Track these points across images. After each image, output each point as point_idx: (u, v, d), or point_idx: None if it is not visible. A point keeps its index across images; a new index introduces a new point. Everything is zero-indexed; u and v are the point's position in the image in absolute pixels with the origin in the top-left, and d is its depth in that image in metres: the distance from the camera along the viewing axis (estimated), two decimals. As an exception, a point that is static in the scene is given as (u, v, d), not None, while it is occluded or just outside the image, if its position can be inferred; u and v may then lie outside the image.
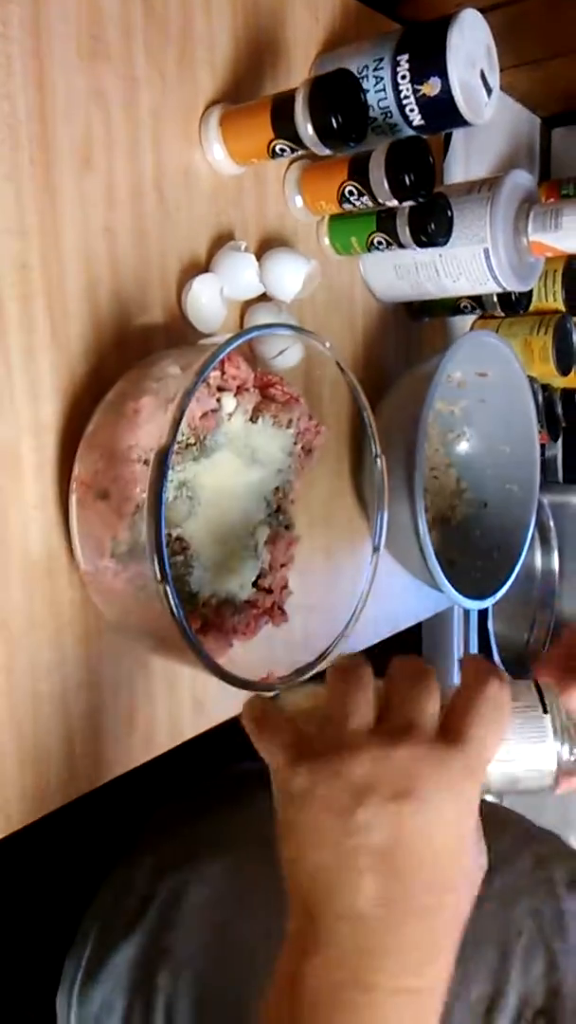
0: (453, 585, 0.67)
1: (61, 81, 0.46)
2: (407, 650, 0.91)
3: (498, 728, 0.33)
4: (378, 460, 0.54)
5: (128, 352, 0.50)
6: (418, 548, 0.62)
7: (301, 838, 0.32)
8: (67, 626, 0.47)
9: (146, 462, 0.44)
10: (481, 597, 0.72)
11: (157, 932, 0.55)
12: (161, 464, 0.41)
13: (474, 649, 0.88)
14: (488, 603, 0.71)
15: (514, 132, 0.96)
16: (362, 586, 0.55)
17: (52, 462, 0.46)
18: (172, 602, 0.41)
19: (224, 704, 0.57)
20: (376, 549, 0.54)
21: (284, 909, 0.33)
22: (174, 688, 0.54)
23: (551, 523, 1.05)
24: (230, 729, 0.45)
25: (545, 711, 0.36)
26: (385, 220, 0.63)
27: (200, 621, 0.48)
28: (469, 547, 0.77)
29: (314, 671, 0.52)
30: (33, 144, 0.45)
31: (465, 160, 0.86)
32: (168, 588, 0.41)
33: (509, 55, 0.82)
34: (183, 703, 0.54)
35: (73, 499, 0.45)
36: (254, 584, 0.53)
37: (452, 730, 0.33)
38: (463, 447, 0.80)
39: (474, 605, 0.69)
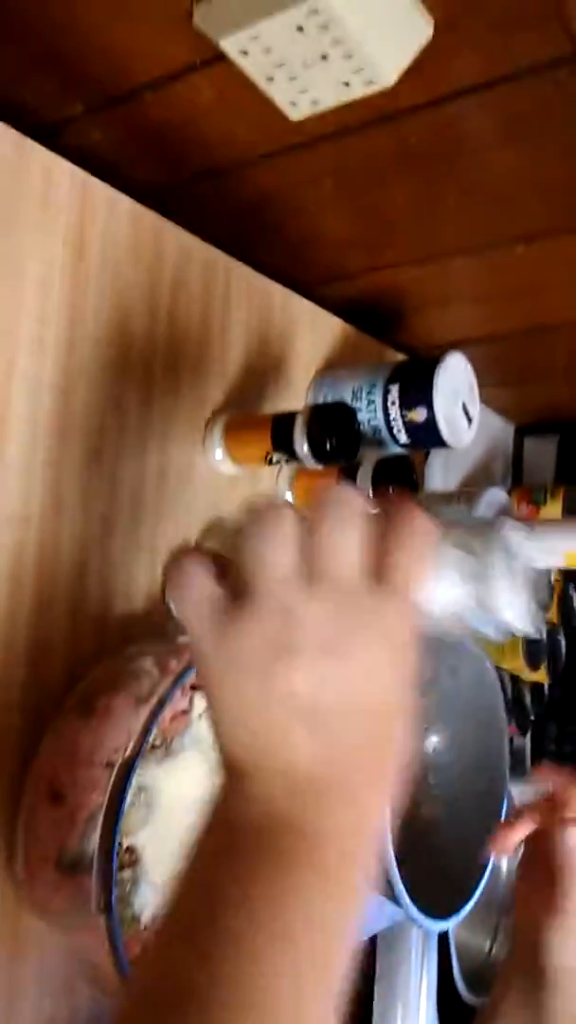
0: (416, 894, 0.62)
1: (84, 387, 0.51)
2: (359, 958, 0.84)
3: (425, 560, 0.31)
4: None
5: (106, 638, 0.51)
6: (380, 864, 0.59)
7: (227, 703, 0.30)
8: (-6, 943, 0.43)
9: (109, 764, 0.43)
10: (443, 911, 0.67)
11: None
12: (124, 777, 0.40)
13: (432, 962, 0.81)
14: (451, 923, 0.66)
15: (490, 437, 1.05)
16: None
17: (12, 753, 0.45)
18: (113, 933, 0.38)
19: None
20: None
21: None
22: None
23: (518, 816, 1.01)
24: None
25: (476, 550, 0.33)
26: (368, 523, 0.66)
27: (140, 947, 0.44)
28: (433, 850, 0.73)
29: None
30: (51, 444, 0.48)
31: (445, 460, 0.93)
32: (111, 919, 0.38)
33: (489, 376, 0.92)
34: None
35: (25, 798, 0.43)
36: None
37: (379, 568, 0.30)
38: (431, 741, 0.78)
39: (437, 926, 0.64)
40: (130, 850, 0.45)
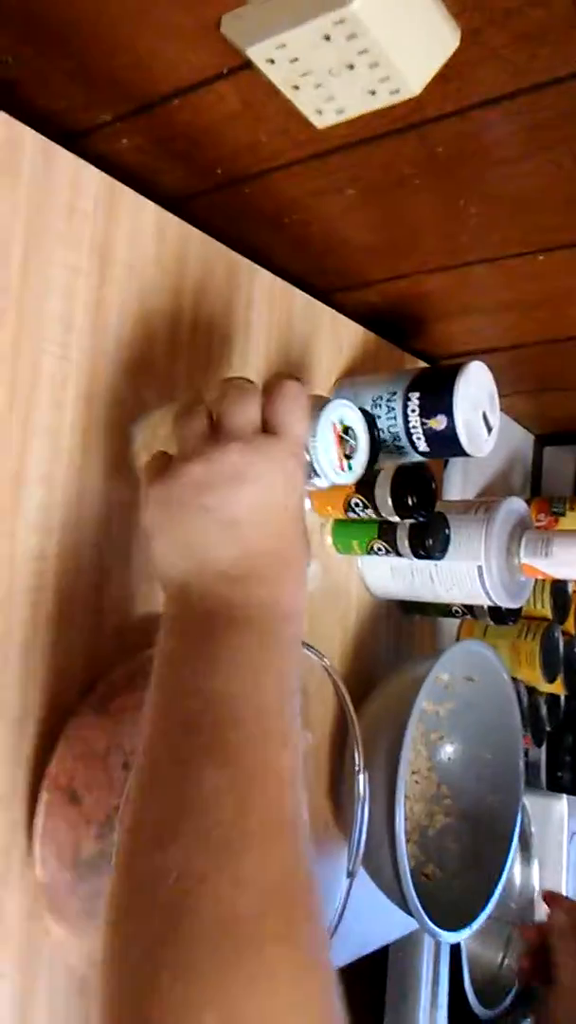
0: (428, 906, 0.62)
1: (109, 395, 0.51)
2: (370, 968, 0.83)
3: (304, 416, 0.43)
4: (360, 776, 0.53)
5: (126, 640, 0.51)
6: (394, 872, 0.58)
7: (168, 534, 0.40)
8: (11, 944, 0.43)
9: (126, 766, 0.43)
10: (457, 922, 0.67)
11: None
12: (140, 779, 0.40)
13: (444, 974, 0.81)
14: (464, 934, 0.66)
15: (510, 446, 1.05)
16: (332, 915, 0.51)
17: (30, 754, 0.45)
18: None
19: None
20: (351, 875, 0.51)
21: None
22: None
23: (532, 828, 1.00)
24: None
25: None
26: (386, 530, 0.66)
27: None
28: (447, 861, 0.73)
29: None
30: (74, 451, 0.48)
31: (464, 469, 0.92)
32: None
33: (510, 385, 0.92)
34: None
35: (42, 799, 0.44)
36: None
37: (269, 425, 0.41)
38: (447, 750, 0.78)
39: (450, 938, 0.64)
40: (145, 852, 0.45)
